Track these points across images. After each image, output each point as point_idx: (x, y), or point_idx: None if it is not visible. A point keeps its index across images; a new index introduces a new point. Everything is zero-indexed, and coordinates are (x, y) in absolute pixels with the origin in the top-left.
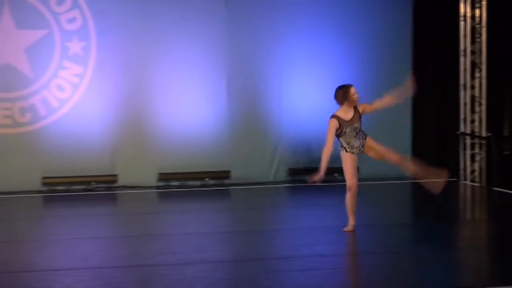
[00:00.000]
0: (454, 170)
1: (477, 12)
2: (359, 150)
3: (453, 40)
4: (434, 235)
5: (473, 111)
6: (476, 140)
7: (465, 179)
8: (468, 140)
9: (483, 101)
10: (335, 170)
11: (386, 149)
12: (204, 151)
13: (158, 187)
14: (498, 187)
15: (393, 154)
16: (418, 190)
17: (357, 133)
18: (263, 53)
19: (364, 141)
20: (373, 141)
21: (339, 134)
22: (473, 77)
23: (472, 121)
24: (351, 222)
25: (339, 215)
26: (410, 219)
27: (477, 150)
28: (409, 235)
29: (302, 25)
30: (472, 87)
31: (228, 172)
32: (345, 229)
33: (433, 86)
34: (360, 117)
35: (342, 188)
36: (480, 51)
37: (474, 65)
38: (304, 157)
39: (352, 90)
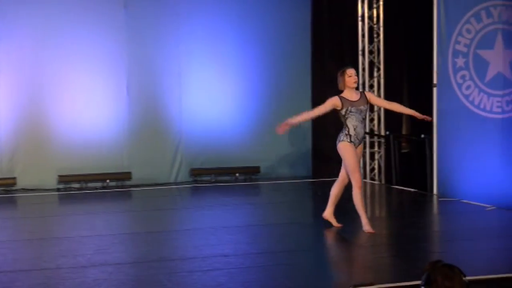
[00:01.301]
0: None
1: (375, 12)
2: (360, 142)
3: (352, 40)
4: (335, 233)
5: (372, 109)
6: (375, 139)
7: (364, 177)
8: (367, 139)
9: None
10: (236, 170)
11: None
12: (104, 152)
13: (58, 190)
14: (397, 185)
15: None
16: (318, 189)
17: (363, 119)
18: (163, 52)
19: (364, 138)
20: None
21: (345, 114)
22: (371, 76)
23: (371, 120)
24: (364, 221)
25: (241, 215)
26: (311, 217)
27: (376, 148)
28: (311, 234)
29: (203, 24)
30: (371, 86)
31: (129, 173)
32: (366, 230)
33: (332, 85)
34: (367, 102)
35: (244, 188)
36: (378, 50)
37: (372, 65)
38: (206, 157)
39: (349, 71)
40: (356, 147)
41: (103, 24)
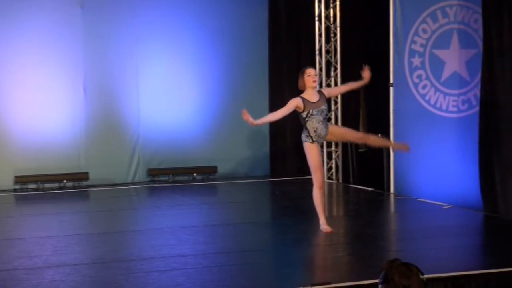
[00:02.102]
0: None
1: (331, 12)
2: (323, 140)
3: (309, 40)
4: (292, 232)
5: (328, 109)
6: None
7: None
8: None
9: (339, 99)
10: (194, 170)
11: (347, 129)
12: (61, 152)
13: (15, 190)
14: (354, 184)
15: (355, 133)
16: (276, 188)
17: (324, 118)
18: (121, 51)
19: (327, 130)
20: (334, 125)
21: (305, 117)
22: (328, 75)
23: (329, 119)
24: (322, 220)
25: (199, 215)
26: (269, 217)
27: (333, 148)
28: (268, 233)
29: (161, 25)
30: (328, 85)
31: (86, 173)
32: (323, 230)
33: (289, 85)
34: (326, 100)
35: (202, 188)
36: (335, 50)
37: (329, 64)
38: (164, 157)
39: (308, 71)
40: (321, 143)
41: (59, 24)
